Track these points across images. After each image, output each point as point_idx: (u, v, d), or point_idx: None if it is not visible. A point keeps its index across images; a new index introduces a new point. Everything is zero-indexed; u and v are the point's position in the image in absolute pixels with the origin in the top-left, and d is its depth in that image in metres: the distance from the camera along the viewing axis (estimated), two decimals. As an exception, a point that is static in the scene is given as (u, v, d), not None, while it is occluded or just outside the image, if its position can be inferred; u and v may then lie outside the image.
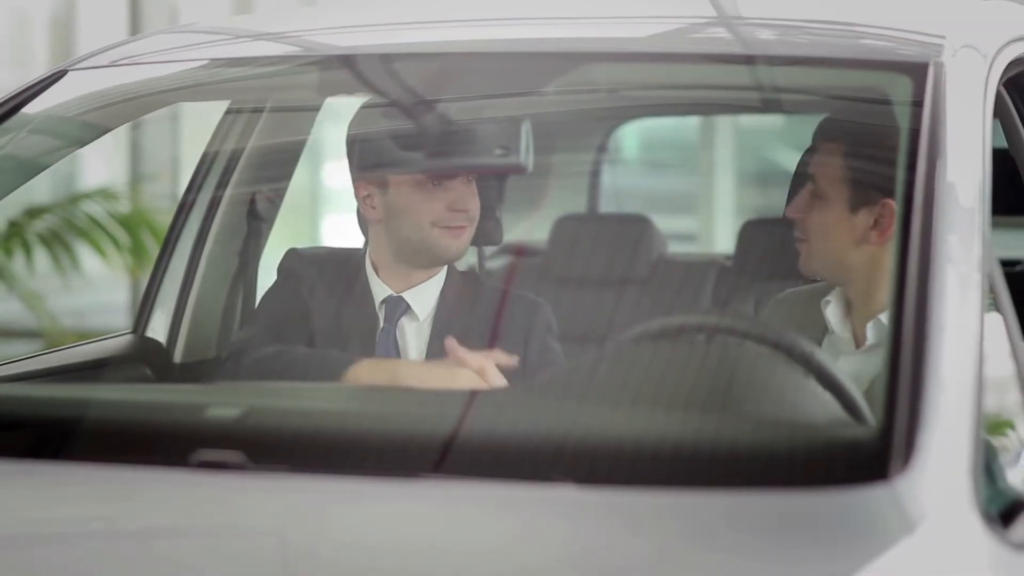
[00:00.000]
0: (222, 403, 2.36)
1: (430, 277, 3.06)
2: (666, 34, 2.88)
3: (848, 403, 2.10)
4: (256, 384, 2.85)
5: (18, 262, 6.82)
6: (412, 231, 3.01)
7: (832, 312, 2.88)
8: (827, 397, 2.11)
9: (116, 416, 2.30)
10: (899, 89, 2.39)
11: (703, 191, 10.23)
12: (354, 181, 3.07)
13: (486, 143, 2.88)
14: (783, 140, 9.70)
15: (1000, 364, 2.13)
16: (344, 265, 3.12)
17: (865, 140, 2.84)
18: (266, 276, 3.43)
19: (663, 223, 4.70)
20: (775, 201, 7.17)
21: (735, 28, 2.85)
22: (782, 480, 1.91)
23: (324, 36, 2.98)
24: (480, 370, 2.77)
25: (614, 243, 4.42)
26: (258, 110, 3.51)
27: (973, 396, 1.95)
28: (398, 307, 3.04)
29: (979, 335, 2.01)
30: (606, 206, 5.34)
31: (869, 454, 1.91)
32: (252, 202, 3.55)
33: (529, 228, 4.87)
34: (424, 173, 2.96)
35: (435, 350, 2.97)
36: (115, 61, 2.90)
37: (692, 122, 9.78)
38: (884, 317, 2.79)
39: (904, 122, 2.32)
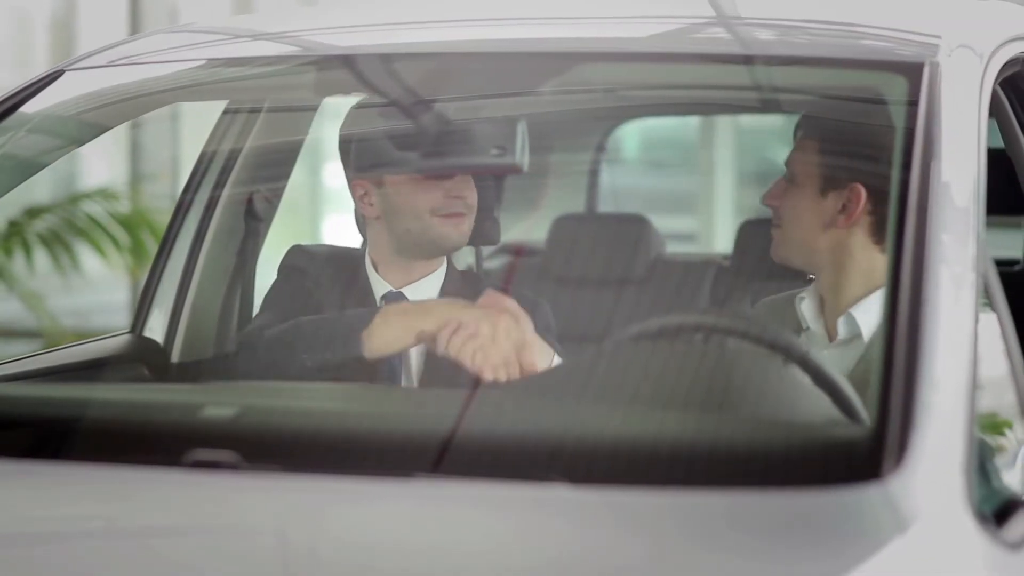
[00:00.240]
0: (217, 403, 2.36)
1: (430, 272, 3.07)
2: (665, 34, 2.88)
3: (843, 403, 2.10)
4: (252, 384, 2.85)
5: (18, 262, 6.83)
6: (411, 222, 3.01)
7: (807, 308, 2.91)
8: (821, 396, 2.12)
9: (111, 416, 2.30)
10: (895, 89, 2.39)
11: (703, 191, 10.24)
12: (350, 180, 3.08)
13: (482, 143, 2.89)
14: (782, 140, 9.69)
15: (994, 364, 2.13)
16: (345, 262, 3.12)
17: (838, 128, 2.87)
18: (264, 276, 3.43)
19: (663, 223, 4.71)
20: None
21: (733, 28, 2.86)
22: (775, 479, 1.91)
23: (322, 36, 2.98)
24: (511, 309, 2.75)
25: (612, 243, 4.43)
26: (256, 110, 3.52)
27: (967, 396, 1.95)
28: (398, 302, 3.04)
29: (973, 335, 2.01)
30: (605, 206, 5.34)
31: (862, 453, 1.91)
32: (250, 202, 3.56)
33: (528, 228, 4.88)
34: (420, 173, 2.96)
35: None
36: (112, 61, 2.90)
37: (692, 122, 9.79)
38: (855, 311, 2.82)
39: (899, 122, 2.32)
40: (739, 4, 2.98)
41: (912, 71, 2.38)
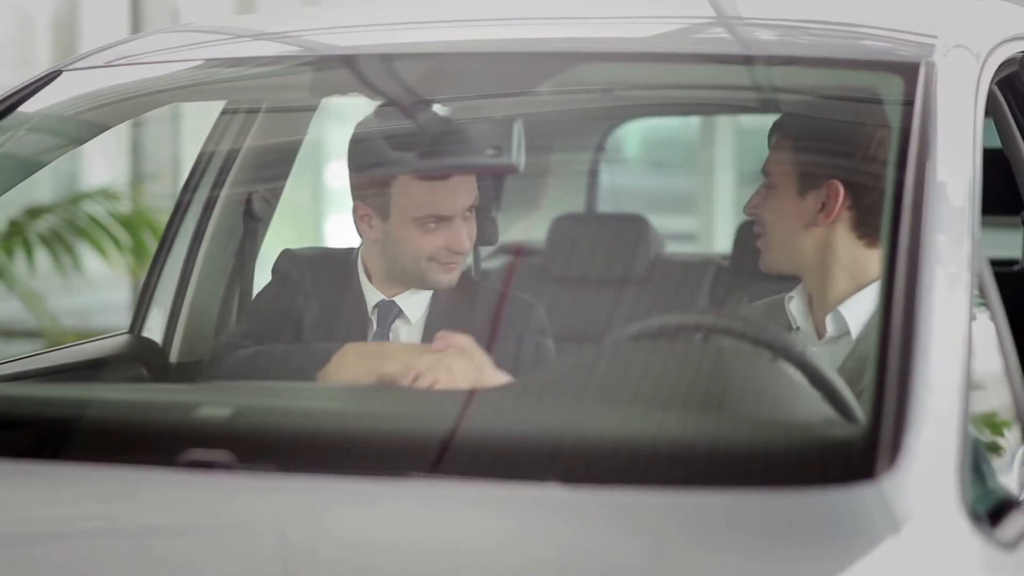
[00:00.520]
0: (212, 403, 2.36)
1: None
2: (664, 34, 2.88)
3: (838, 403, 2.10)
4: (248, 384, 2.85)
5: (19, 262, 6.83)
6: (408, 262, 3.02)
7: (796, 307, 2.91)
8: (815, 396, 2.12)
9: (108, 416, 2.30)
10: (891, 89, 2.39)
11: (703, 191, 10.23)
12: (354, 199, 3.07)
13: (479, 143, 2.89)
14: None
15: (989, 364, 2.13)
16: (337, 268, 3.12)
17: (812, 127, 2.88)
18: (262, 276, 3.43)
19: (663, 223, 4.71)
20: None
21: (732, 28, 2.86)
22: (770, 479, 1.91)
23: (322, 36, 2.98)
24: (465, 347, 2.75)
25: (612, 243, 4.43)
26: (254, 110, 3.52)
27: (961, 396, 1.95)
28: (390, 311, 3.05)
29: (967, 335, 2.02)
30: (604, 206, 5.34)
31: (856, 453, 1.91)
32: (248, 202, 3.56)
33: (527, 228, 4.88)
34: (426, 214, 2.96)
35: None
36: (110, 61, 2.90)
37: (692, 122, 9.78)
38: (843, 308, 2.83)
39: (895, 122, 2.32)
40: (739, 4, 2.98)
41: (908, 71, 2.38)
